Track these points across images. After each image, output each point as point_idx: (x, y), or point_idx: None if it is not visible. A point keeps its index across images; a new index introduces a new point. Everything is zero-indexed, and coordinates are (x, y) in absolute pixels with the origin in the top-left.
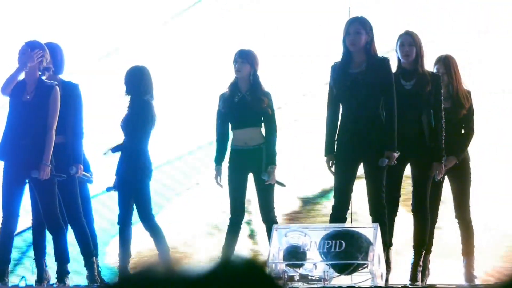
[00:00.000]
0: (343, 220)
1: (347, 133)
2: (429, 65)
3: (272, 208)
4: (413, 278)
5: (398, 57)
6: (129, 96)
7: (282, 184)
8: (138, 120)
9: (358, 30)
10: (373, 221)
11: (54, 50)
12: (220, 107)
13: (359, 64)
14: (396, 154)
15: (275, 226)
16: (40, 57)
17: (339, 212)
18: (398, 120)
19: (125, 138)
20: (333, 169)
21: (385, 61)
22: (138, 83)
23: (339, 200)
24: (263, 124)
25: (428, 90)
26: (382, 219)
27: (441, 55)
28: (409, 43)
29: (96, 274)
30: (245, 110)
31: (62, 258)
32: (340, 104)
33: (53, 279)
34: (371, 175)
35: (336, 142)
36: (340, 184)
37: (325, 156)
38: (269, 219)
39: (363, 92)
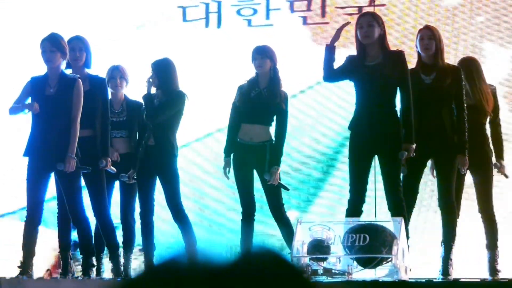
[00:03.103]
0: (359, 214)
1: (362, 126)
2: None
3: (281, 204)
4: (445, 272)
5: (418, 52)
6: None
7: (285, 188)
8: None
9: (370, 23)
10: (393, 215)
11: (85, 45)
12: (235, 100)
13: (375, 57)
14: (414, 146)
15: (299, 220)
16: (66, 54)
17: (355, 206)
18: (420, 115)
19: (158, 129)
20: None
21: (401, 54)
22: (170, 74)
23: (355, 194)
24: (273, 124)
25: (448, 83)
26: (401, 212)
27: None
28: (429, 36)
29: (122, 267)
30: (259, 106)
31: (87, 250)
32: (358, 94)
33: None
34: (388, 168)
35: (350, 135)
36: (356, 178)
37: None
38: (279, 216)
39: (380, 84)
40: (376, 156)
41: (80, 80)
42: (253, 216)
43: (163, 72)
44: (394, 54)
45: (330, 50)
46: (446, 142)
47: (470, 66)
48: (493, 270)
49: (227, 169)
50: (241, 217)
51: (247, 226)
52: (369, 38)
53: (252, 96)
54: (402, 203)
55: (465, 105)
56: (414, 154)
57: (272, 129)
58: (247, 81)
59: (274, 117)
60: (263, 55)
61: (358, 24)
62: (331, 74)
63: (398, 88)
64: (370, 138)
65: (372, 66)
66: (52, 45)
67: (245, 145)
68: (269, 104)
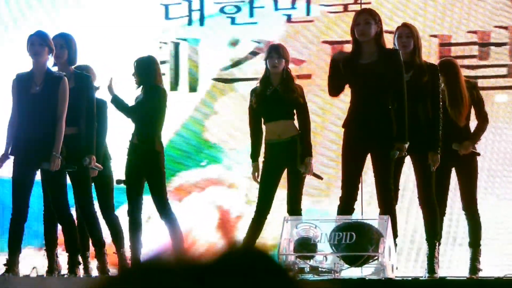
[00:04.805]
0: (351, 211)
1: (356, 124)
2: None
3: (299, 200)
4: (431, 270)
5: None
6: (141, 86)
7: (319, 177)
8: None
9: (368, 21)
10: (382, 213)
11: (70, 41)
12: (252, 102)
13: (370, 55)
14: (406, 145)
15: (285, 217)
16: (52, 50)
17: (347, 204)
18: None
19: (140, 127)
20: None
21: (396, 52)
22: (150, 72)
23: (347, 191)
24: (295, 116)
25: (425, 81)
26: (391, 211)
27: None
28: (407, 34)
29: (107, 265)
30: (278, 102)
31: (72, 248)
32: (352, 93)
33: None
34: (380, 166)
35: (344, 132)
36: (348, 175)
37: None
38: (294, 211)
39: (375, 83)
40: (369, 154)
41: (65, 78)
42: (265, 219)
43: (143, 69)
44: (389, 53)
45: (334, 66)
46: (421, 139)
47: (449, 67)
48: (474, 268)
49: (256, 173)
50: (253, 216)
51: (255, 227)
52: (366, 35)
53: (268, 94)
54: (392, 201)
55: (441, 103)
56: (406, 153)
57: (296, 123)
58: (259, 82)
59: (295, 111)
60: (280, 54)
61: (355, 21)
62: (337, 90)
63: (392, 86)
64: (364, 136)
65: (366, 65)
66: (40, 39)
67: (274, 144)
68: (286, 99)
